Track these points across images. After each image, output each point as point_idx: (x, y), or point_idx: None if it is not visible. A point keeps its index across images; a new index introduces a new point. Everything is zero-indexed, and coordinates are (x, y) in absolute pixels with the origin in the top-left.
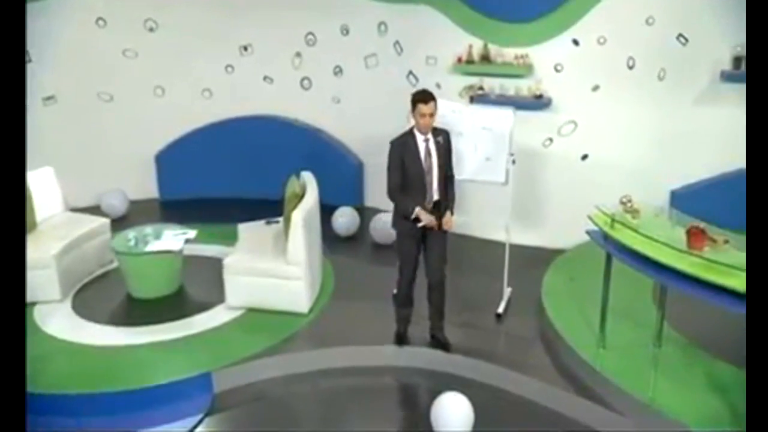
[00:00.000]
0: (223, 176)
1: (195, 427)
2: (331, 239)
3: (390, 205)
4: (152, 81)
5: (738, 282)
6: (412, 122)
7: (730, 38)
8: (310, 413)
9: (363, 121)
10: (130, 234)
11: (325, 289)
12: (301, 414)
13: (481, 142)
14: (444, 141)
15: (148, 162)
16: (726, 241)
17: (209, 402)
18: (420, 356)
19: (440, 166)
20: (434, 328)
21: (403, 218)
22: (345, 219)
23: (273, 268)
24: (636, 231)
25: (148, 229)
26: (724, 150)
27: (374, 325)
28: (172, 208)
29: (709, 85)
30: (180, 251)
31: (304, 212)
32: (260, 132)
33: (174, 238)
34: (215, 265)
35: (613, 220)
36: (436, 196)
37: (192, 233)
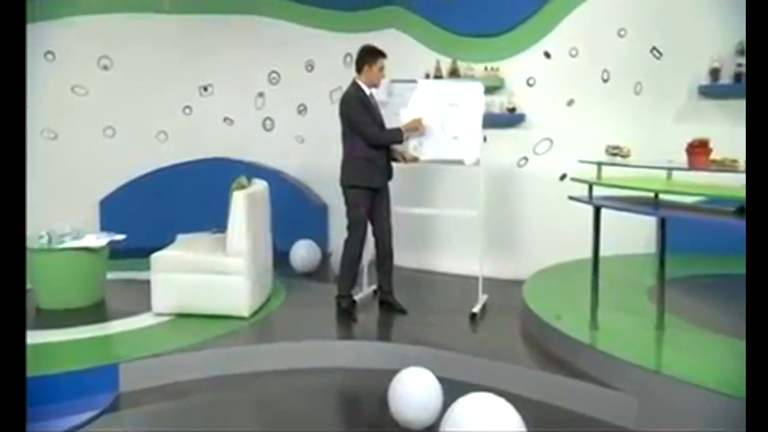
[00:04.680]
0: (175, 223)
1: (86, 423)
2: (288, 276)
3: None
4: (103, 121)
5: None
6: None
7: (705, 51)
8: (241, 419)
9: (328, 160)
10: (43, 231)
11: (273, 301)
12: (230, 420)
13: (447, 120)
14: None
15: (91, 207)
16: (734, 161)
17: (111, 400)
18: (374, 352)
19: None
20: (384, 293)
21: (357, 177)
22: (303, 251)
23: (210, 262)
24: (626, 165)
25: (67, 228)
26: None
27: (327, 329)
28: (115, 257)
29: (687, 100)
30: (103, 253)
31: (248, 194)
32: (217, 176)
33: (97, 240)
34: (148, 286)
35: (599, 165)
36: None
37: (120, 236)
